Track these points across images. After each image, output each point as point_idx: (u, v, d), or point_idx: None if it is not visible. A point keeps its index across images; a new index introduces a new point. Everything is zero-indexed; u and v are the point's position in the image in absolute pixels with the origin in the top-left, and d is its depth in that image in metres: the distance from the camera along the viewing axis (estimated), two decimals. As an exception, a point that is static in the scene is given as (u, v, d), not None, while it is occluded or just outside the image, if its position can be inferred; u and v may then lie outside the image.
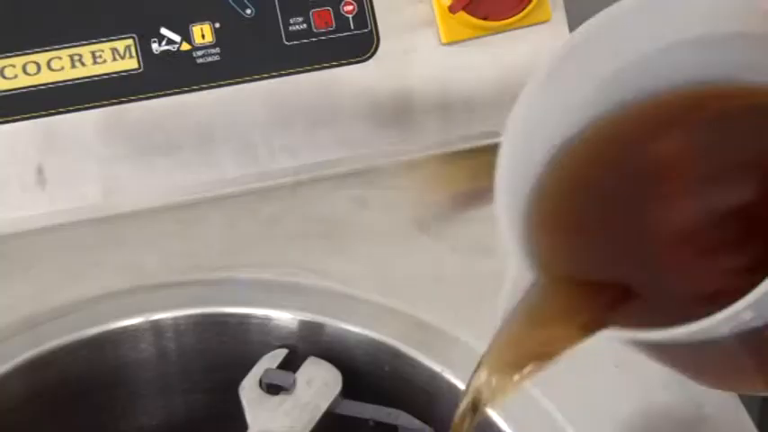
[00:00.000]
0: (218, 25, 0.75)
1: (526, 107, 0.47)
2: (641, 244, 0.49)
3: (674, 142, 0.49)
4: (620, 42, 0.46)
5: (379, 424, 0.65)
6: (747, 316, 0.42)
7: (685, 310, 0.45)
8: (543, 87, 0.47)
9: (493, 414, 0.63)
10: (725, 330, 0.42)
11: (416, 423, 0.64)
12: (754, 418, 0.64)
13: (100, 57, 0.74)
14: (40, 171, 0.73)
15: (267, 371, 0.65)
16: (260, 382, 0.65)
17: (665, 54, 0.47)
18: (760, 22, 0.44)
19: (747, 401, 0.65)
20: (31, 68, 0.73)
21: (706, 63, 0.47)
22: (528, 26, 0.79)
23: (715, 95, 0.48)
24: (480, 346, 0.48)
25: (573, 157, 0.49)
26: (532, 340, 0.48)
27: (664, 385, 0.64)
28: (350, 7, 0.77)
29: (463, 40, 0.79)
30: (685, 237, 0.48)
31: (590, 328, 0.48)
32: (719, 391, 0.64)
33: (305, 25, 0.76)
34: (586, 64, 0.47)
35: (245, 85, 0.75)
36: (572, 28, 0.79)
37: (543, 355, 0.47)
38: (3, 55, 0.72)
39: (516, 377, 0.47)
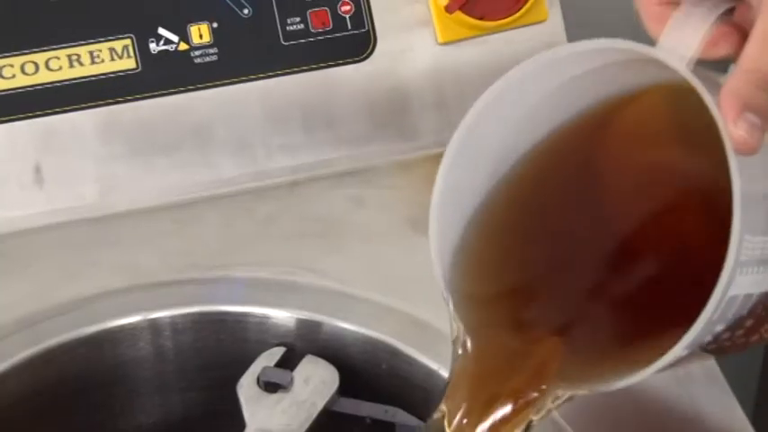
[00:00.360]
0: (215, 25, 0.75)
1: (452, 158, 0.51)
2: (563, 280, 0.52)
3: (582, 174, 0.52)
4: (524, 91, 0.51)
5: (376, 421, 0.65)
6: (682, 353, 0.45)
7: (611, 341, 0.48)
8: (466, 138, 0.51)
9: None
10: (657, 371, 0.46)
11: (414, 420, 0.64)
12: (748, 414, 0.64)
13: (98, 57, 0.74)
14: (37, 170, 0.73)
15: (265, 369, 0.65)
16: (257, 380, 0.65)
17: (561, 90, 0.51)
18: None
19: (742, 397, 0.65)
20: (29, 68, 0.73)
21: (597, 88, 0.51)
22: (524, 26, 0.79)
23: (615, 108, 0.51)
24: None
25: (498, 198, 0.52)
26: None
27: (659, 381, 0.64)
28: (347, 7, 0.77)
29: (460, 40, 0.79)
30: (604, 272, 0.51)
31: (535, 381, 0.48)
32: (714, 386, 0.64)
33: (302, 25, 0.77)
34: (499, 112, 0.51)
35: (243, 84, 0.76)
36: (568, 27, 0.80)
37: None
38: (1, 55, 0.73)
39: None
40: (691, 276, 0.48)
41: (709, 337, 0.46)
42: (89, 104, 0.74)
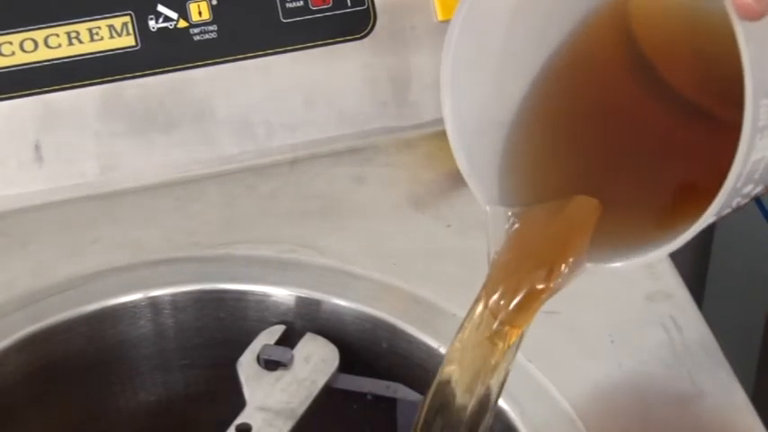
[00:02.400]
0: (214, 2, 0.75)
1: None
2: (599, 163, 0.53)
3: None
4: None
5: (377, 398, 0.65)
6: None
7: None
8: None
9: (489, 389, 0.63)
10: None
11: (415, 395, 0.64)
12: (748, 392, 0.64)
13: (97, 34, 0.74)
14: (37, 148, 0.73)
15: (265, 347, 0.65)
16: (258, 357, 0.65)
17: None
18: None
19: (742, 376, 0.65)
20: (29, 46, 0.73)
21: None
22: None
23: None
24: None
25: (537, 95, 0.51)
26: (530, 261, 0.50)
27: (659, 360, 0.65)
28: (347, -15, 0.77)
29: (460, 18, 0.78)
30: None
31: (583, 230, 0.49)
32: (714, 363, 0.64)
33: (302, 2, 0.76)
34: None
35: (242, 62, 0.75)
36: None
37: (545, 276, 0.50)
38: (0, 32, 0.72)
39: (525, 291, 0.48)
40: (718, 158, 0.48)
41: (739, 199, 0.47)
42: (88, 82, 0.73)
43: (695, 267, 1.19)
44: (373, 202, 0.74)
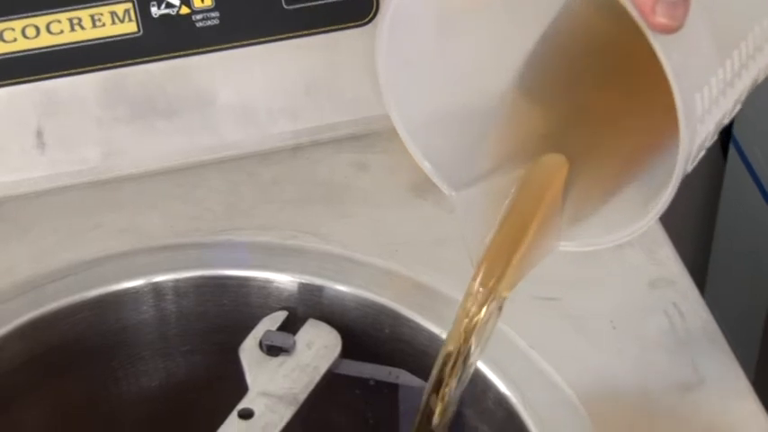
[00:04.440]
0: (217, -12, 0.75)
1: None
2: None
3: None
4: None
5: (379, 383, 0.65)
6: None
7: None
8: None
9: (489, 374, 0.63)
10: None
11: (417, 381, 0.64)
12: (750, 379, 0.64)
13: (99, 20, 0.73)
14: (39, 134, 0.73)
15: (267, 332, 0.65)
16: (260, 343, 0.65)
17: None
18: None
19: (744, 362, 0.65)
20: (30, 32, 0.73)
21: None
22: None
23: None
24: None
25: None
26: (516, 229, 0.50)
27: (661, 346, 0.65)
28: (349, -29, 0.77)
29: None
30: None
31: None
32: (715, 349, 0.64)
33: (304, -11, 0.76)
34: None
35: (245, 48, 0.75)
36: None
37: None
38: (2, 18, 0.72)
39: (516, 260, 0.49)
40: None
41: (703, 151, 0.48)
42: (90, 68, 0.73)
43: (697, 254, 1.19)
44: (376, 188, 0.74)
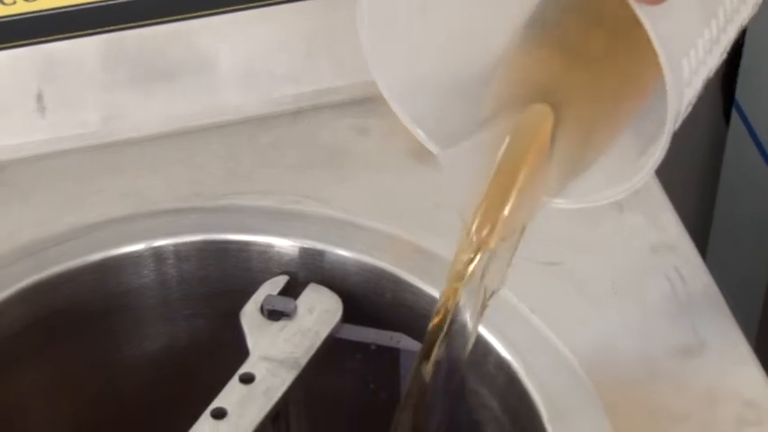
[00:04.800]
0: (217, -49, 0.75)
1: None
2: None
3: None
4: None
5: (380, 348, 0.65)
6: None
7: None
8: None
9: (492, 339, 0.63)
10: None
11: (419, 346, 0.64)
12: (751, 343, 0.64)
13: (99, -17, 0.73)
14: (39, 98, 0.73)
15: (268, 297, 0.65)
16: (261, 308, 0.65)
17: None
18: None
19: (746, 327, 0.65)
20: (30, -5, 0.72)
21: None
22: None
23: None
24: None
25: None
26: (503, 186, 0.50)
27: (663, 310, 0.65)
28: (350, -67, 0.76)
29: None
30: None
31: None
32: (717, 314, 0.64)
33: (305, -49, 0.76)
34: None
35: (245, 12, 0.75)
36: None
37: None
38: (1, -19, 0.72)
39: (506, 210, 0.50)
40: None
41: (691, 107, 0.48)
42: (91, 31, 0.73)
43: (699, 218, 1.18)
44: (377, 152, 0.74)
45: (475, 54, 0.54)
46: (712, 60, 0.49)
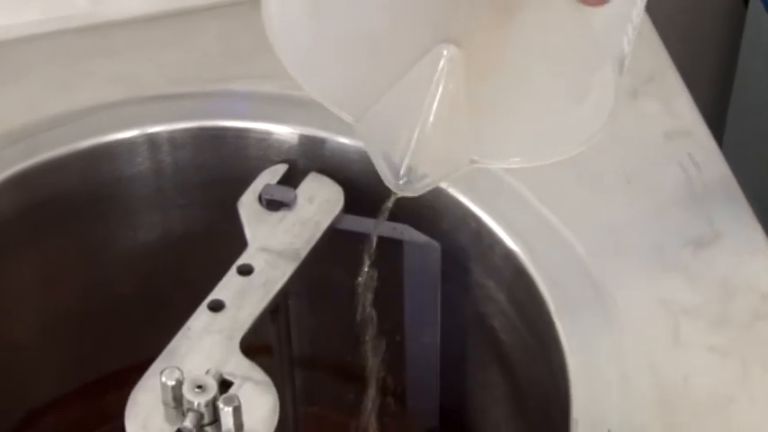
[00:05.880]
0: None
1: None
2: None
3: None
4: None
5: (383, 239, 0.63)
6: None
7: None
8: None
9: (498, 229, 0.62)
10: None
11: (423, 237, 0.63)
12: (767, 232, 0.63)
13: None
14: (27, -23, 0.71)
15: (267, 186, 0.64)
16: (259, 197, 0.64)
17: None
18: None
19: (762, 217, 0.63)
20: None
21: None
22: None
23: None
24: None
25: None
26: None
27: (677, 201, 0.63)
28: None
29: None
30: None
31: None
32: (733, 204, 0.62)
33: None
34: None
35: None
36: None
37: None
38: None
39: None
40: None
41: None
42: None
43: (715, 103, 1.16)
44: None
45: (374, 11, 0.51)
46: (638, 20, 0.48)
